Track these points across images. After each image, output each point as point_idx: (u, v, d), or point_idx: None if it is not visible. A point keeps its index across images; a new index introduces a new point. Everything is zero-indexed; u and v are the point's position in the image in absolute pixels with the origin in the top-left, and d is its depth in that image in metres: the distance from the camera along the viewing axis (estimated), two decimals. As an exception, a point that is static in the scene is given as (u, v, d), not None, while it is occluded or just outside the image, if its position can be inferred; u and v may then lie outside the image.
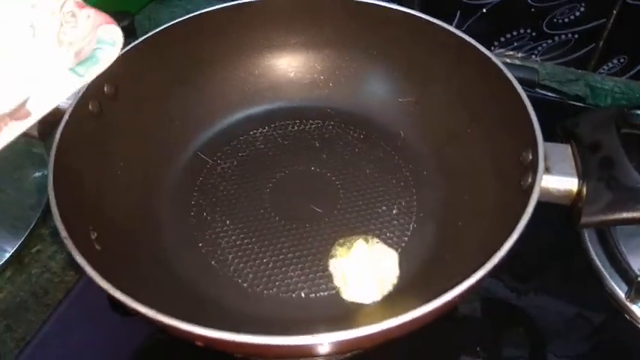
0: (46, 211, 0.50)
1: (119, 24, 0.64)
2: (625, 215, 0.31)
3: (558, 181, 0.34)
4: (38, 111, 0.23)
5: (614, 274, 0.44)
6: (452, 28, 0.44)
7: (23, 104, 0.23)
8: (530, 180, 0.34)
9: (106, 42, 0.25)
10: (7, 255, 0.47)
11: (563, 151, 0.36)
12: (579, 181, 0.34)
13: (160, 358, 0.42)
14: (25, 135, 0.40)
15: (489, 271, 0.29)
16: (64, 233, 0.31)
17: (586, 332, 0.43)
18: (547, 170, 0.34)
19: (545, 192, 0.34)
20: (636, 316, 0.42)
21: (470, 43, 0.42)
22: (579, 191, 0.34)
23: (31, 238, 0.49)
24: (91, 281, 0.33)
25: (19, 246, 0.47)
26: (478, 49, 0.41)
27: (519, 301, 0.44)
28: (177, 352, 0.39)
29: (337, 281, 0.39)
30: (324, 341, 0.27)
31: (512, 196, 0.36)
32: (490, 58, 0.41)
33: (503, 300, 0.44)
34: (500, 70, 0.40)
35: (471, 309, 0.43)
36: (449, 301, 0.28)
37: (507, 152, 0.38)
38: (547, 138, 0.36)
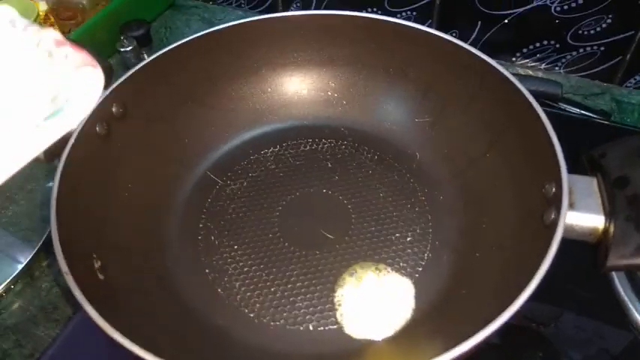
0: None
1: (136, 33, 0.64)
2: (656, 260, 0.29)
3: (583, 218, 0.32)
4: None
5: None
6: (476, 51, 0.42)
7: None
8: (553, 215, 0.32)
9: (80, 88, 0.21)
10: (20, 266, 0.47)
11: (589, 186, 0.34)
12: (606, 219, 0.32)
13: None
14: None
15: (512, 315, 0.28)
16: (64, 268, 0.30)
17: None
18: (571, 206, 0.32)
19: (569, 229, 0.32)
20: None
21: (494, 67, 0.40)
22: (605, 230, 0.32)
23: (42, 250, 0.48)
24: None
25: (30, 259, 0.47)
26: (503, 74, 0.39)
27: (539, 328, 0.42)
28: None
29: (346, 316, 0.38)
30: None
31: (534, 230, 0.34)
32: (515, 84, 0.39)
33: (522, 325, 0.42)
34: (526, 98, 0.38)
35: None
36: (466, 351, 0.27)
37: (529, 182, 0.36)
38: (570, 162, 0.34)
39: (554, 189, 0.34)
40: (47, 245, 0.48)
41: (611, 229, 0.31)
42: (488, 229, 0.39)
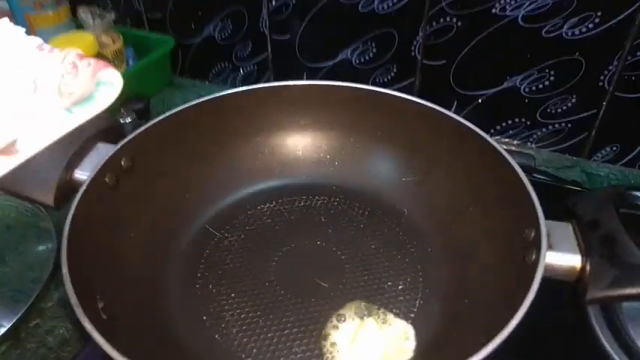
0: (48, 285, 0.50)
1: (136, 106, 0.68)
2: (631, 291, 0.32)
3: (562, 257, 0.35)
4: (27, 150, 0.25)
5: (620, 353, 0.43)
6: (454, 115, 0.46)
7: (13, 143, 0.25)
8: (534, 256, 0.35)
9: (105, 83, 0.27)
10: (3, 330, 0.46)
11: (565, 230, 0.37)
12: (582, 257, 0.35)
13: None
14: (41, 203, 0.42)
15: (494, 349, 0.29)
16: (74, 300, 0.31)
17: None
18: (550, 247, 0.35)
19: (549, 268, 0.35)
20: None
21: (472, 129, 0.44)
22: (583, 268, 0.34)
23: (30, 311, 0.48)
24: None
25: (16, 320, 0.47)
26: (480, 135, 0.44)
27: None
28: None
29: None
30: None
31: (517, 273, 0.36)
32: (491, 144, 0.43)
33: None
34: (501, 154, 0.42)
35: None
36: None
37: (511, 230, 0.39)
38: (548, 217, 0.37)
39: (533, 233, 0.37)
40: (36, 307, 0.49)
41: (588, 266, 0.34)
42: (474, 275, 0.42)
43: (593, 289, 0.32)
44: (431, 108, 0.48)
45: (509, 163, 0.41)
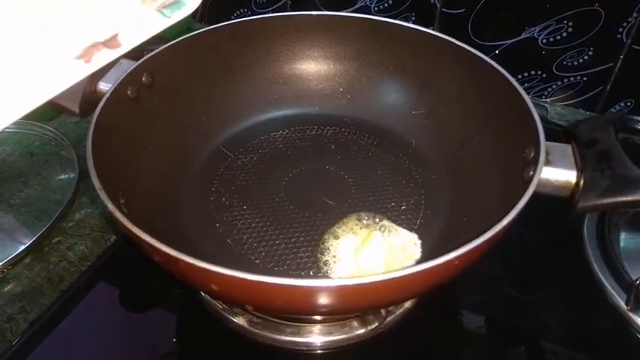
0: (69, 207, 0.53)
1: (154, 48, 0.69)
2: (621, 199, 0.33)
3: (558, 173, 0.36)
4: (128, 43, 0.29)
5: (615, 286, 0.44)
6: (465, 45, 0.47)
7: (115, 36, 0.28)
8: (532, 172, 0.36)
9: None
10: (27, 244, 0.50)
11: (564, 149, 0.38)
12: (578, 173, 0.36)
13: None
14: (67, 111, 0.44)
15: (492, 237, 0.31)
16: (97, 185, 0.33)
17: (588, 346, 0.43)
18: (548, 163, 0.36)
19: (546, 183, 0.36)
20: (638, 326, 0.42)
21: (481, 57, 0.45)
22: (577, 183, 0.36)
23: (53, 229, 0.52)
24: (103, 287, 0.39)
25: (38, 236, 0.50)
26: (489, 63, 0.44)
27: (523, 317, 0.45)
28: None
29: (343, 264, 0.40)
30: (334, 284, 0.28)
31: (516, 190, 0.38)
32: (499, 70, 0.44)
33: (506, 316, 0.45)
34: (509, 81, 0.43)
35: (475, 326, 0.44)
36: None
37: (512, 153, 0.41)
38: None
39: (533, 152, 0.38)
40: (58, 225, 0.52)
41: (582, 180, 0.35)
42: (475, 198, 0.43)
43: (584, 198, 0.34)
44: (444, 39, 0.49)
45: (516, 88, 0.42)
